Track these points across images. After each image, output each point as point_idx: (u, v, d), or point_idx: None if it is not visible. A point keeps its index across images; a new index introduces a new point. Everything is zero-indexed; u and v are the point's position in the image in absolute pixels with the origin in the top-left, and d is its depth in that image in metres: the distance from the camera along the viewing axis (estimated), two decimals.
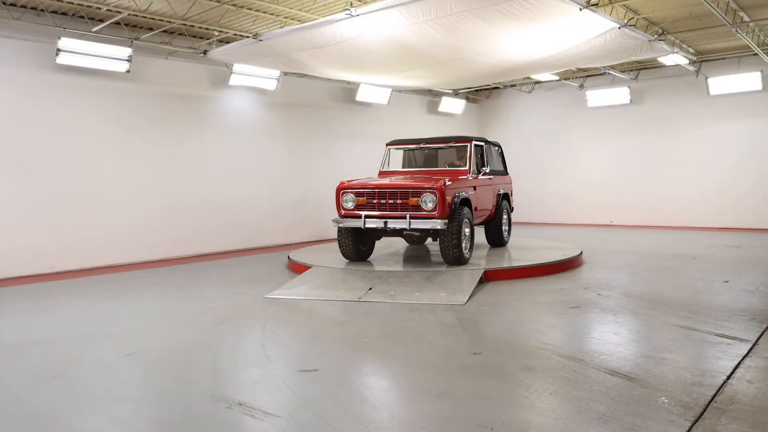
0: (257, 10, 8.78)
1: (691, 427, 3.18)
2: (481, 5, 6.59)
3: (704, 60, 13.49)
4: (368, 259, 8.69)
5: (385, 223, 7.81)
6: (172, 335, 5.45)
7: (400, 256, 9.20)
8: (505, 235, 9.88)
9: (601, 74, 14.59)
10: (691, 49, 12.46)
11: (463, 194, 8.09)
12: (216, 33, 9.63)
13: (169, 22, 9.01)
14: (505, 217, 9.85)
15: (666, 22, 10.18)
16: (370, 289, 6.95)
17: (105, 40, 8.95)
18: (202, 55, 9.75)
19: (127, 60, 9.19)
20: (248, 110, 11.70)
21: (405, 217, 7.70)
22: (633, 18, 9.52)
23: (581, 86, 15.52)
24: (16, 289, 7.71)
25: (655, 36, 9.18)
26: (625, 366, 4.22)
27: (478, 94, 17.37)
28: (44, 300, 7.01)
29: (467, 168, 8.81)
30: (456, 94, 16.07)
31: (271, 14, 8.97)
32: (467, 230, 8.11)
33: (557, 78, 14.68)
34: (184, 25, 9.23)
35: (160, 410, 3.72)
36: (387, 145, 9.70)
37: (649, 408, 3.44)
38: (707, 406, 3.46)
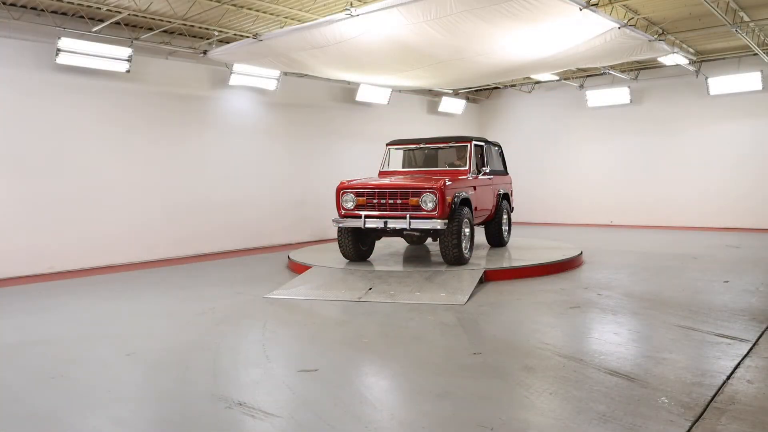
0: (257, 10, 8.78)
1: (691, 427, 3.18)
2: (481, 5, 6.59)
3: (704, 60, 13.49)
4: (368, 259, 8.69)
5: (385, 223, 7.81)
6: (172, 335, 5.45)
7: (400, 256, 9.20)
8: (505, 235, 9.88)
9: (601, 74, 14.59)
10: (691, 49, 12.47)
11: (463, 194, 8.09)
12: (216, 33, 9.63)
13: (169, 22, 9.01)
14: (505, 217, 9.86)
15: (666, 22, 10.18)
16: (370, 289, 6.95)
17: (105, 40, 8.95)
18: (202, 55, 9.75)
19: (127, 60, 9.19)
20: (248, 110, 11.70)
21: (405, 217, 7.70)
22: (633, 18, 9.52)
23: (581, 86, 15.52)
24: (16, 289, 7.71)
25: (655, 36, 9.18)
26: (625, 366, 4.22)
27: (478, 94, 17.37)
28: (44, 300, 7.01)
29: (467, 168, 8.81)
30: (456, 94, 16.07)
31: (271, 14, 8.97)
32: (467, 230, 8.11)
33: (557, 78, 14.68)
34: (184, 25, 9.23)
35: (160, 410, 3.72)
36: (387, 145, 9.70)
37: (649, 408, 3.44)
38: (707, 406, 3.46)
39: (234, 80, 10.97)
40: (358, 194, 8.08)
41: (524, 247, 9.90)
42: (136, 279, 8.41)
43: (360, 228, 8.07)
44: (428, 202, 7.65)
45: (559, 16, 6.92)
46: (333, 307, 6.45)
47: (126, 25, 9.15)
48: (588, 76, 15.26)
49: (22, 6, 8.31)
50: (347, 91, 13.42)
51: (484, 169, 9.13)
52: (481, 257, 8.76)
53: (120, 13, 8.41)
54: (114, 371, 4.40)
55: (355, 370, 4.45)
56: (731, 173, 13.70)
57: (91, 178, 9.29)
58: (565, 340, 5.08)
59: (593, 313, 5.95)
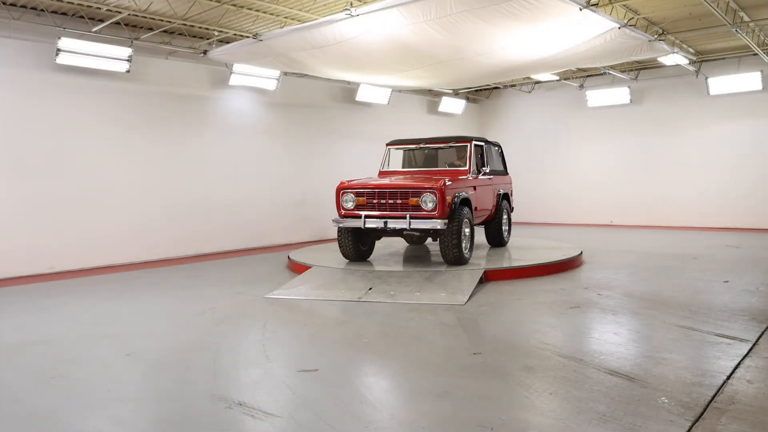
0: (257, 10, 8.78)
1: (691, 427, 3.18)
2: (481, 5, 6.59)
3: (704, 60, 13.49)
4: (368, 259, 8.69)
5: (385, 223, 7.81)
6: (172, 335, 5.45)
7: (400, 256, 9.20)
8: (505, 235, 9.88)
9: (601, 74, 14.59)
10: (691, 49, 12.47)
11: (463, 194, 8.09)
12: (216, 33, 9.63)
13: (169, 22, 9.01)
14: (505, 217, 9.85)
15: (666, 22, 10.18)
16: (370, 289, 6.95)
17: (105, 40, 8.95)
18: (202, 55, 9.75)
19: (127, 60, 9.19)
20: (248, 110, 11.70)
21: (405, 217, 7.70)
22: (633, 18, 9.52)
23: (581, 86, 15.52)
24: (16, 289, 7.71)
25: (655, 36, 9.18)
26: (625, 366, 4.22)
27: (478, 94, 17.37)
28: (44, 300, 7.01)
29: (467, 168, 8.81)
30: (456, 94, 16.07)
31: (271, 14, 8.97)
32: (467, 230, 8.11)
33: (557, 78, 14.68)
34: (184, 25, 9.23)
35: (160, 410, 3.72)
36: (387, 145, 9.70)
37: (649, 408, 3.44)
38: (707, 406, 3.46)
39: (234, 80, 10.97)
40: (358, 194, 8.08)
41: (524, 247, 9.90)
42: (136, 279, 8.41)
43: (360, 228, 8.07)
44: (428, 202, 7.65)
45: (559, 16, 6.92)
46: (333, 307, 6.45)
47: (126, 25, 9.15)
48: (588, 76, 15.26)
49: (22, 6, 8.31)
50: (347, 91, 13.42)
51: (484, 169, 9.13)
52: (481, 257, 8.76)
53: (120, 13, 8.41)
54: (114, 371, 4.40)
55: (355, 370, 4.45)
56: (731, 173, 13.70)
57: (91, 178, 9.29)
58: (565, 340, 5.08)
59: (593, 313, 5.95)
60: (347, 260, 8.48)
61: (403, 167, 9.63)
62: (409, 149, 9.61)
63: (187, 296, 7.07)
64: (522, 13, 6.73)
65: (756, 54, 11.84)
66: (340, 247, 8.45)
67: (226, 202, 11.12)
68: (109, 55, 9.05)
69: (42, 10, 8.45)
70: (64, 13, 8.74)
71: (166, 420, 3.54)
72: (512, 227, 10.44)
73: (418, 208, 7.71)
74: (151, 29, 9.25)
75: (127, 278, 8.49)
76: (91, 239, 9.25)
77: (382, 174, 9.35)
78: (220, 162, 11.09)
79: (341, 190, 8.20)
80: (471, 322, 5.63)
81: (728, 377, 3.93)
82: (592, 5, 6.89)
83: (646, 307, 6.15)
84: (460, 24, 7.16)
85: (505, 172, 10.41)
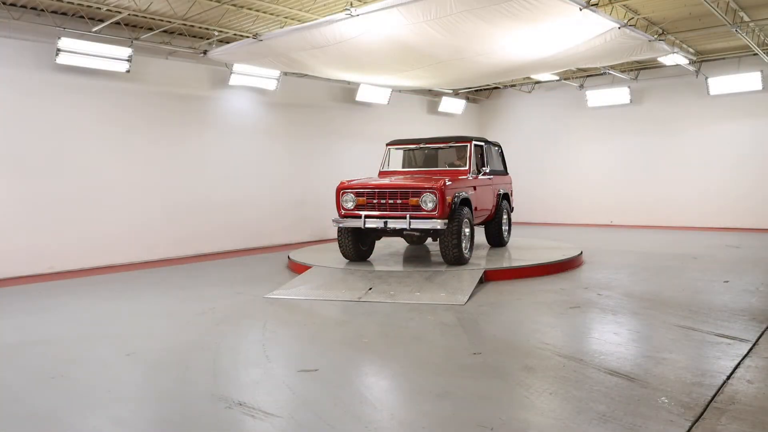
0: (257, 10, 8.78)
1: (691, 427, 3.18)
2: (481, 5, 6.59)
3: (704, 60, 13.49)
4: (368, 259, 8.69)
5: (385, 223, 7.81)
6: (172, 335, 5.45)
7: (400, 256, 9.20)
8: (505, 235, 9.88)
9: (601, 74, 14.59)
10: (691, 49, 12.46)
11: (463, 194, 8.09)
12: (216, 33, 9.63)
13: (169, 22, 9.01)
14: (505, 217, 9.85)
15: (666, 22, 10.18)
16: (370, 289, 6.95)
17: (105, 40, 8.95)
18: (202, 55, 9.75)
19: (127, 60, 9.19)
20: (248, 110, 11.70)
21: (405, 217, 7.70)
22: (633, 18, 9.52)
23: (581, 86, 15.52)
24: (16, 289, 7.71)
25: (655, 36, 9.18)
26: (625, 366, 4.22)
27: (478, 94, 17.37)
28: (44, 300, 7.01)
29: (467, 168, 8.81)
30: (456, 94, 16.07)
31: (271, 14, 8.97)
32: (467, 230, 8.11)
33: (557, 78, 14.68)
34: (184, 25, 9.23)
35: (160, 410, 3.72)
36: (387, 145, 9.70)
37: (649, 408, 3.44)
38: (707, 406, 3.46)
39: (234, 80, 10.97)
40: (358, 194, 8.08)
41: (524, 247, 9.90)
42: (136, 279, 8.41)
43: (360, 228, 8.07)
44: (428, 202, 7.65)
45: (559, 16, 6.92)
46: (333, 307, 6.45)
47: (126, 25, 9.15)
48: (588, 76, 15.26)
49: (22, 6, 8.31)
50: (347, 91, 13.42)
51: (484, 169, 9.13)
52: (481, 257, 8.76)
53: (120, 13, 8.41)
54: (114, 371, 4.40)
55: (355, 370, 4.45)
56: (731, 173, 13.70)
57: (91, 178, 9.29)
58: (565, 340, 5.08)
59: (593, 313, 5.95)
60: (347, 260, 8.48)
61: (403, 167, 9.63)
62: (409, 149, 9.61)
63: (187, 296, 7.07)
64: (522, 13, 6.73)
65: (756, 54, 11.84)
66: (340, 247, 8.45)
67: (226, 202, 11.12)
68: (109, 55, 9.05)
69: (42, 10, 8.45)
70: (64, 13, 8.74)
71: (166, 420, 3.54)
72: (512, 227, 10.44)
73: (418, 208, 7.71)
74: (151, 29, 9.25)
75: (127, 278, 8.49)
76: (91, 239, 9.25)
77: (382, 174, 9.35)
78: (220, 162, 11.09)
79: (341, 190, 8.20)
80: (471, 322, 5.63)
81: (728, 377, 3.93)
82: (592, 5, 6.89)
83: (646, 307, 6.15)
84: (460, 24, 7.16)
85: (505, 172, 10.41)
